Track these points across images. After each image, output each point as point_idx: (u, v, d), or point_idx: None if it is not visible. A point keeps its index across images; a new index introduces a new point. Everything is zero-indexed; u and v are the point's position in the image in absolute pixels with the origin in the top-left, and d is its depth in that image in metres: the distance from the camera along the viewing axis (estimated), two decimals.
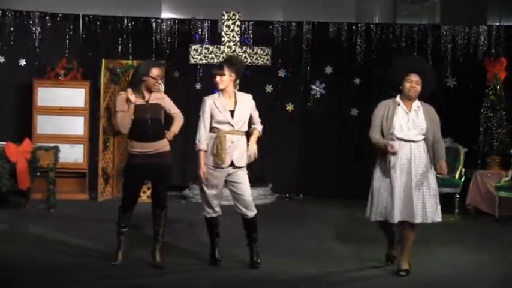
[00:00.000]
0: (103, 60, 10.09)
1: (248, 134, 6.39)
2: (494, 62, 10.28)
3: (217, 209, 6.40)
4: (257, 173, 9.73)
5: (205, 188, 6.32)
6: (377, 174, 6.20)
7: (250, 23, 10.81)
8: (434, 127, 6.19)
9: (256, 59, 10.08)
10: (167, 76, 9.69)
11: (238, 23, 10.14)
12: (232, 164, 6.25)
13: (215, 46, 10.15)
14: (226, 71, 6.28)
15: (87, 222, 8.37)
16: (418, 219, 6.06)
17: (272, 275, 6.15)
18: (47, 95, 10.23)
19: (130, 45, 10.83)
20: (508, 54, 10.31)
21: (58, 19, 10.66)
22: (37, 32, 10.62)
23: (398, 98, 6.19)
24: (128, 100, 6.13)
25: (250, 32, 10.81)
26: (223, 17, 10.14)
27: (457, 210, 9.57)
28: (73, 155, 10.16)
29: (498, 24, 10.77)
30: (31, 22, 10.59)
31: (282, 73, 11.02)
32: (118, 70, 10.20)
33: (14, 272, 5.91)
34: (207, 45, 10.24)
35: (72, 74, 10.40)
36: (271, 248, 6.81)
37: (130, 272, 6.16)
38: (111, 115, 9.97)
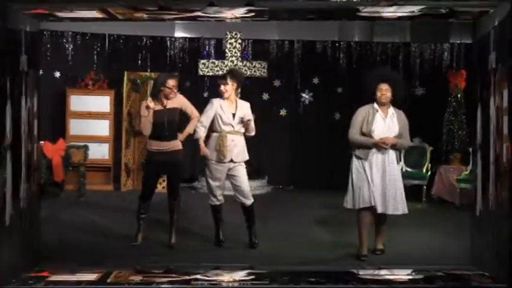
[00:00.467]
0: (125, 72, 10.10)
1: (245, 135, 6.42)
2: (456, 73, 10.30)
3: (221, 197, 6.44)
4: (255, 167, 9.75)
5: (210, 181, 6.37)
6: (355, 168, 6.04)
7: (250, 41, 10.81)
8: (404, 129, 6.09)
9: (254, 71, 10.08)
10: (179, 86, 9.68)
11: (239, 41, 10.15)
12: (231, 160, 6.29)
13: (220, 60, 10.16)
14: (229, 81, 6.32)
15: (111, 209, 8.38)
16: (391, 211, 6.00)
17: (267, 253, 6.17)
18: (78, 101, 10.25)
19: (148, 59, 10.83)
20: (467, 67, 10.29)
21: (87, 37, 10.65)
22: (70, 48, 10.62)
23: (375, 105, 6.04)
24: (147, 107, 6.19)
25: (250, 48, 10.82)
26: (227, 36, 10.15)
27: (424, 199, 9.58)
28: (100, 152, 10.15)
29: (459, 42, 10.78)
30: (65, 40, 10.59)
31: (276, 83, 11.03)
32: (138, 80, 10.22)
33: (52, 249, 5.93)
34: (213, 60, 10.26)
35: (99, 84, 10.42)
36: (266, 231, 6.83)
37: (148, 251, 6.20)
38: (132, 119, 10.06)
